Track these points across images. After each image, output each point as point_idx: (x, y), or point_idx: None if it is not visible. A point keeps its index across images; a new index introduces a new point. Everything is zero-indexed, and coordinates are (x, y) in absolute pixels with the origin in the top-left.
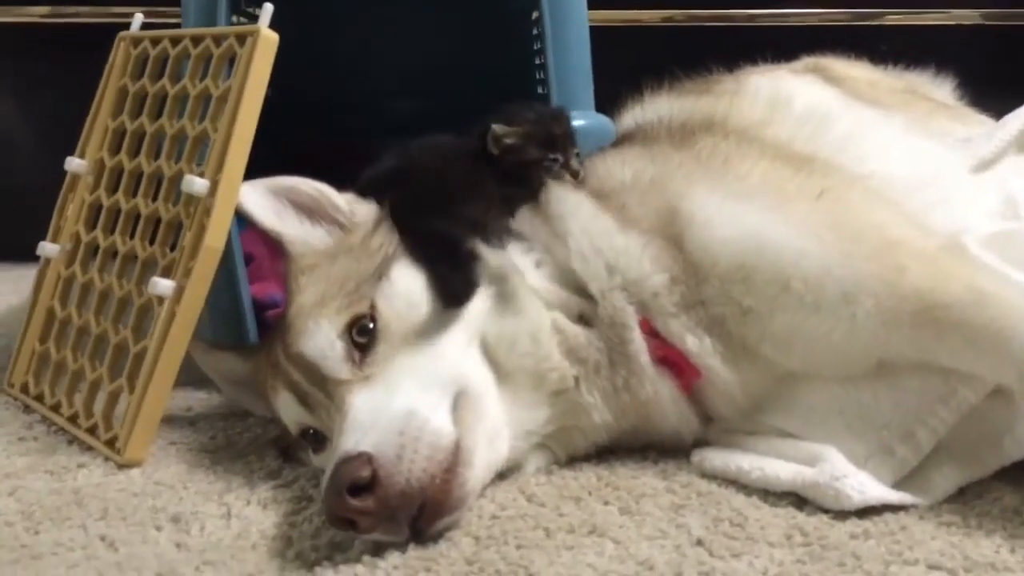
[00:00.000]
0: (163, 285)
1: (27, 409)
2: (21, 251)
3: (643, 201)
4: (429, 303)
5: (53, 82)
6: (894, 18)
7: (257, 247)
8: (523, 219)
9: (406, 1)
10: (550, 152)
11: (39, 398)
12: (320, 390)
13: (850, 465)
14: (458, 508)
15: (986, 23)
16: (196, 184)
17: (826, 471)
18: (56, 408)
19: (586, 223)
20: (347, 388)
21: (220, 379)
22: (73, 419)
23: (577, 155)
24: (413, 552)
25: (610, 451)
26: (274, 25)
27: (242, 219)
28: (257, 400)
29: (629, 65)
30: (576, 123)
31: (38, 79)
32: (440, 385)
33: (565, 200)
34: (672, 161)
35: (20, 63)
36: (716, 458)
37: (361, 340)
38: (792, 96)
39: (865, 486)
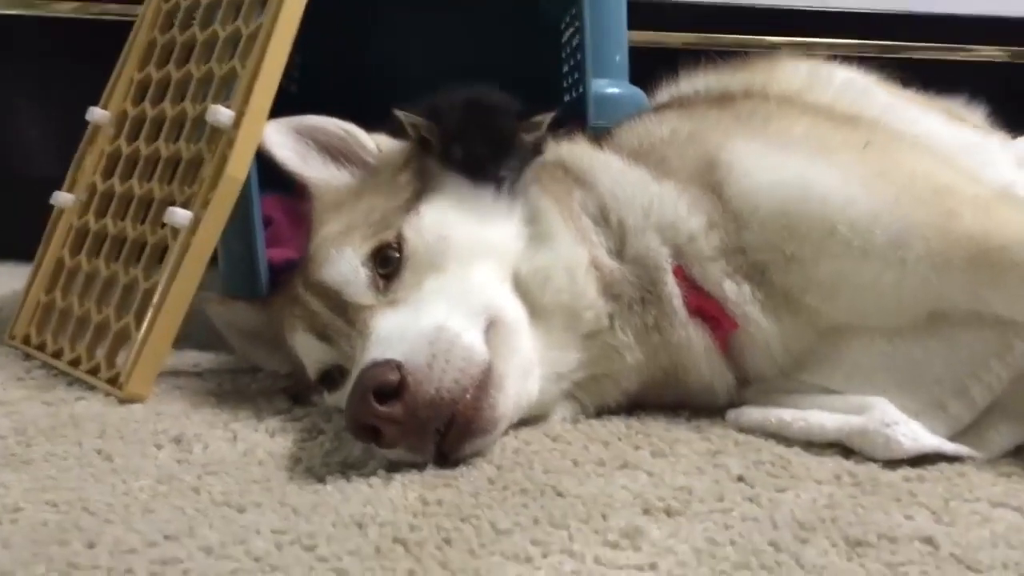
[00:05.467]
0: (180, 215)
1: (28, 357)
2: None
3: (681, 153)
4: (461, 234)
5: (79, 78)
6: (922, 53)
7: (276, 211)
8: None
9: (435, 10)
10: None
11: (40, 347)
12: (341, 317)
13: (901, 414)
14: (488, 431)
15: (1014, 61)
16: (221, 113)
17: (876, 418)
18: (58, 355)
19: (617, 175)
20: (370, 312)
21: (232, 332)
22: (75, 363)
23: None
24: (431, 470)
25: (640, 407)
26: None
27: (262, 185)
28: (270, 354)
29: (650, 88)
30: (609, 91)
31: (64, 75)
32: (471, 310)
33: (592, 158)
34: (710, 118)
35: (46, 59)
36: (754, 412)
37: (385, 270)
38: (832, 72)
39: (918, 434)
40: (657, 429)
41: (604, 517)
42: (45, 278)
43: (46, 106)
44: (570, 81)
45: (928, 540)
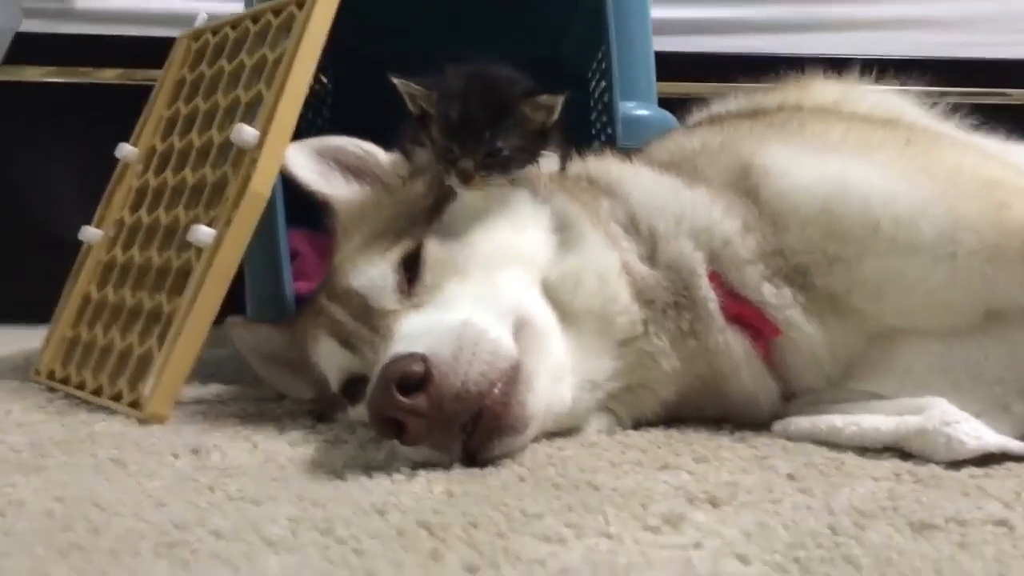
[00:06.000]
0: (204, 232)
1: (51, 390)
2: None
3: (713, 162)
4: (485, 239)
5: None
6: (953, 98)
7: (303, 245)
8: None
9: (457, 63)
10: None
11: (64, 381)
12: (365, 325)
13: (962, 412)
14: (517, 431)
15: None
16: (246, 133)
17: (935, 417)
18: (81, 386)
19: (647, 184)
20: (395, 317)
21: (256, 357)
22: (97, 392)
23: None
24: (457, 469)
25: (680, 421)
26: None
27: (290, 220)
28: (295, 378)
29: None
30: (637, 112)
31: (110, 140)
32: (498, 310)
33: (620, 169)
34: (743, 127)
35: (93, 124)
36: (802, 421)
37: (410, 276)
38: (864, 91)
39: (981, 432)
40: (699, 438)
41: (643, 506)
42: (71, 314)
43: (87, 171)
44: (597, 127)
45: (1002, 523)
